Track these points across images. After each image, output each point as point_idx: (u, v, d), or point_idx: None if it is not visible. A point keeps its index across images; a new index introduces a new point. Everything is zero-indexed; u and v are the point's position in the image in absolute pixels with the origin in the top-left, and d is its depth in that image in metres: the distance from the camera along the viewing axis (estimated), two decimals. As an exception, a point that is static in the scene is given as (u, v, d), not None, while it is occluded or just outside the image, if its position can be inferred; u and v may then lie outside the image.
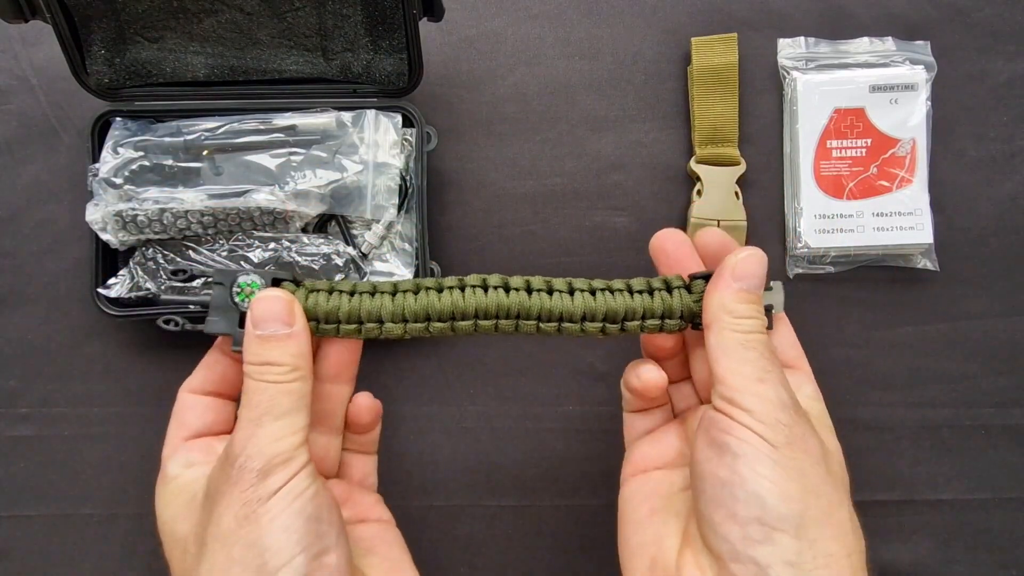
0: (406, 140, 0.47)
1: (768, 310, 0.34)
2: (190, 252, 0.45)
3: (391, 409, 0.48)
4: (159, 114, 0.46)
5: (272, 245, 0.45)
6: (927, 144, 0.49)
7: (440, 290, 0.33)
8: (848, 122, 0.49)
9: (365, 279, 0.46)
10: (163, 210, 0.43)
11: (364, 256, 0.47)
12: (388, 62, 0.45)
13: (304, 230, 0.46)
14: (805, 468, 0.28)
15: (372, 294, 0.33)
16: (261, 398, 0.30)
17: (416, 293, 0.33)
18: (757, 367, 0.30)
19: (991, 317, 0.49)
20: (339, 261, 0.45)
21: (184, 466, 0.32)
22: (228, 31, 0.44)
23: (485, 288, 0.33)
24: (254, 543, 0.27)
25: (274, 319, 0.31)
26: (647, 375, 0.35)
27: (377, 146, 0.46)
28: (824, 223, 0.48)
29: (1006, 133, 0.50)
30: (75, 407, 0.48)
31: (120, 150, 0.45)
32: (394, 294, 0.33)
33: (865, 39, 0.50)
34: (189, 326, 0.34)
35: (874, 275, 0.50)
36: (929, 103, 0.49)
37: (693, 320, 0.34)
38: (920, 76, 0.49)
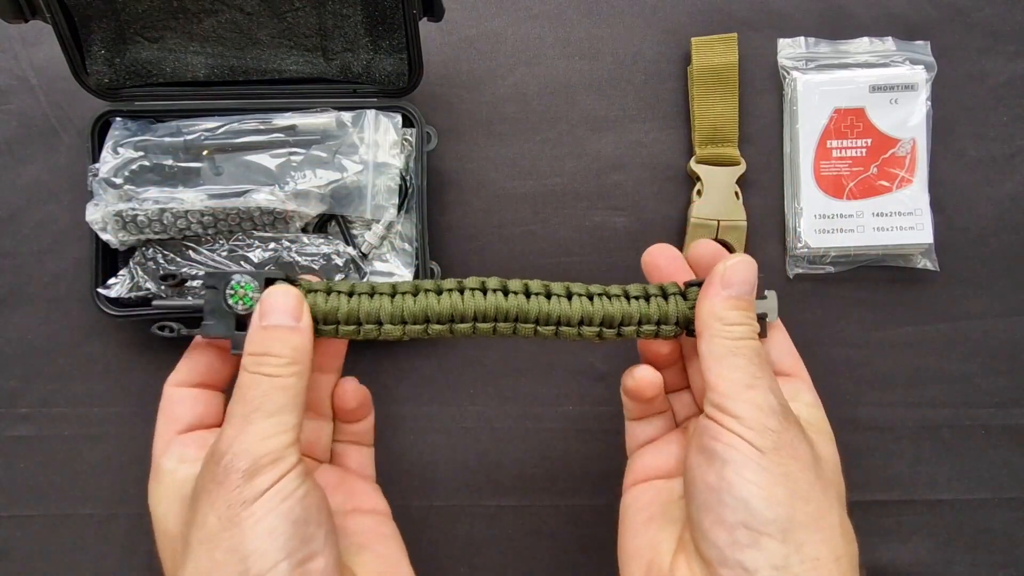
0: (406, 140, 0.47)
1: (762, 318, 0.34)
2: (190, 252, 0.45)
3: (391, 409, 0.48)
4: (159, 114, 0.46)
5: (272, 245, 0.45)
6: (927, 144, 0.49)
7: (439, 292, 0.33)
8: (848, 122, 0.49)
9: (365, 279, 0.46)
10: (163, 210, 0.43)
11: (364, 256, 0.47)
12: (388, 62, 0.45)
13: (304, 230, 0.46)
14: (793, 473, 0.28)
15: (371, 295, 0.33)
16: (254, 393, 0.29)
17: (415, 295, 0.33)
18: (747, 373, 0.30)
19: (991, 317, 0.49)
20: (339, 261, 0.45)
21: (179, 461, 0.31)
22: (228, 31, 0.44)
23: (484, 291, 0.33)
24: (236, 547, 0.27)
25: (282, 311, 0.31)
26: (640, 373, 0.35)
27: (377, 146, 0.46)
28: (824, 223, 0.48)
29: (1006, 133, 0.50)
30: (75, 407, 0.48)
31: (120, 150, 0.45)
32: (393, 295, 0.33)
33: (865, 39, 0.50)
34: (185, 331, 0.34)
35: (874, 275, 0.50)
36: (929, 103, 0.49)
37: (688, 327, 0.34)
38: (920, 76, 0.49)
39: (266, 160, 0.45)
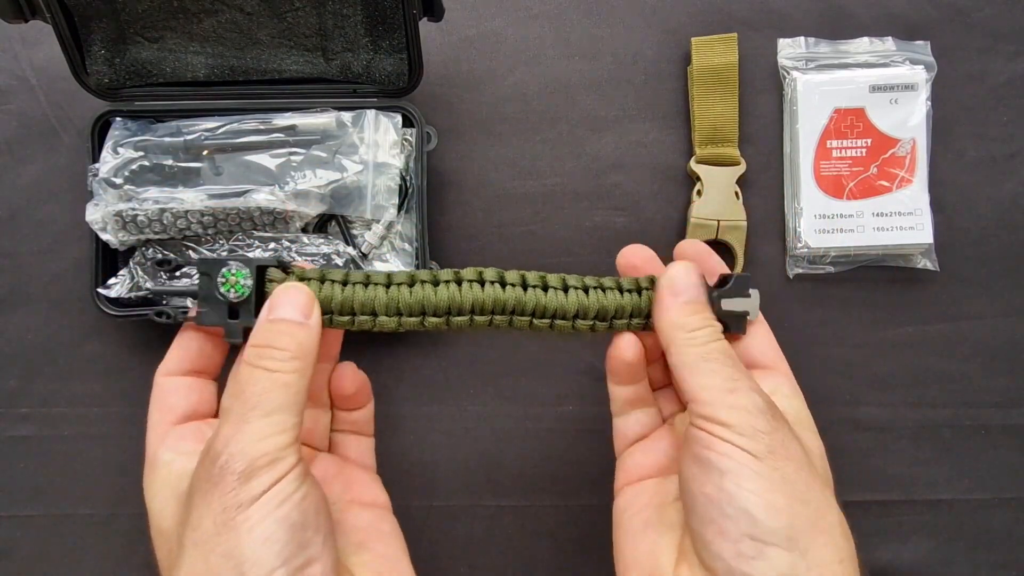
0: (406, 140, 0.47)
1: (742, 316, 0.34)
2: (190, 252, 0.45)
3: (391, 409, 0.48)
4: (159, 114, 0.46)
5: (272, 245, 0.45)
6: (927, 144, 0.49)
7: (436, 283, 0.32)
8: (848, 122, 0.49)
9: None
10: (163, 210, 0.43)
11: (364, 256, 0.47)
12: (388, 62, 0.45)
13: (304, 230, 0.46)
14: (789, 475, 0.28)
15: (365, 285, 0.32)
16: (254, 389, 0.28)
17: (411, 286, 0.32)
18: (723, 377, 0.30)
19: (991, 317, 0.49)
20: (339, 261, 0.45)
21: (176, 453, 0.30)
22: (228, 31, 0.44)
23: (482, 283, 0.33)
24: (231, 553, 0.26)
25: (292, 306, 0.31)
26: (620, 340, 0.35)
27: (377, 146, 0.46)
28: (824, 223, 0.48)
29: (1006, 133, 0.50)
30: (75, 407, 0.48)
31: (120, 150, 0.45)
32: (388, 286, 0.32)
33: (865, 39, 0.50)
34: (181, 317, 0.33)
35: (874, 275, 0.50)
36: (929, 103, 0.49)
37: None
38: (920, 76, 0.49)
39: (266, 160, 0.45)
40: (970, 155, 0.50)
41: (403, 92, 0.46)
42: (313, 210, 0.45)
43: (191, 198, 0.44)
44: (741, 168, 0.49)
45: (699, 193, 0.49)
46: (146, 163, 0.45)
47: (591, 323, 0.34)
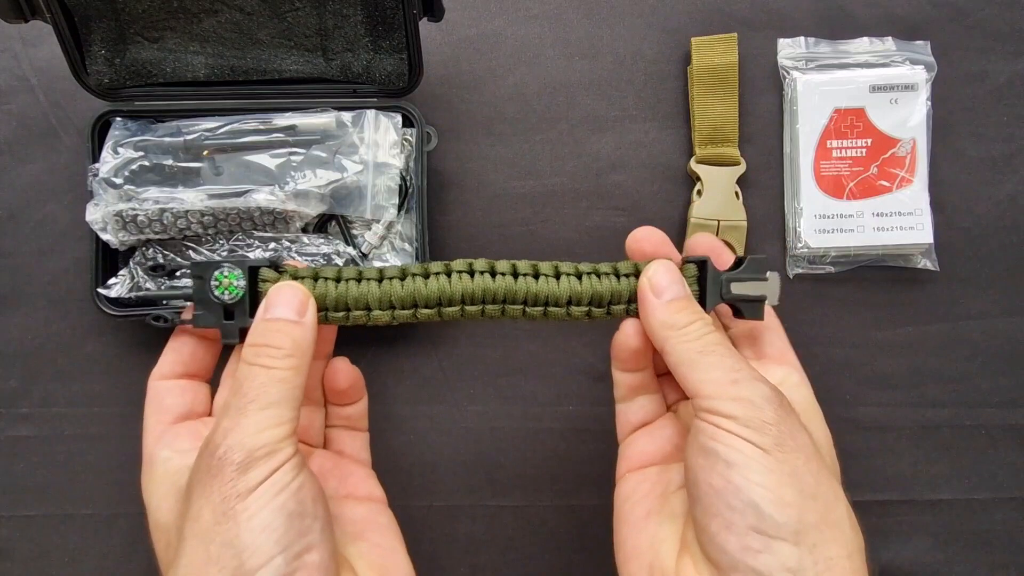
0: (406, 140, 0.47)
1: (759, 301, 0.34)
2: (190, 252, 0.45)
3: (391, 409, 0.48)
4: (159, 114, 0.46)
5: (272, 245, 0.45)
6: (927, 144, 0.49)
7: (426, 276, 0.33)
8: (848, 122, 0.49)
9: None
10: (163, 210, 0.43)
11: (364, 256, 0.47)
12: (388, 62, 0.45)
13: (304, 230, 0.46)
14: (798, 468, 0.28)
15: (358, 280, 0.33)
16: (251, 385, 0.29)
17: (403, 279, 0.33)
18: (725, 368, 0.30)
19: (991, 317, 0.49)
20: (339, 261, 0.45)
21: (172, 451, 0.31)
22: (228, 31, 0.44)
23: (472, 273, 0.33)
24: (231, 542, 0.26)
25: (287, 305, 0.31)
26: (626, 326, 0.34)
27: (377, 146, 0.46)
28: (824, 223, 0.48)
29: (1006, 133, 0.50)
30: (75, 407, 0.48)
31: (120, 150, 0.44)
32: (380, 280, 0.33)
33: (865, 39, 0.50)
34: (178, 322, 0.34)
35: (874, 275, 0.50)
36: (929, 103, 0.49)
37: None
38: (920, 76, 0.49)
39: (266, 160, 0.45)
40: (970, 155, 0.50)
41: (403, 92, 0.46)
42: (313, 210, 0.45)
43: (191, 198, 0.44)
44: (741, 168, 0.49)
45: (699, 193, 0.49)
46: (146, 163, 0.45)
47: (586, 309, 0.33)
